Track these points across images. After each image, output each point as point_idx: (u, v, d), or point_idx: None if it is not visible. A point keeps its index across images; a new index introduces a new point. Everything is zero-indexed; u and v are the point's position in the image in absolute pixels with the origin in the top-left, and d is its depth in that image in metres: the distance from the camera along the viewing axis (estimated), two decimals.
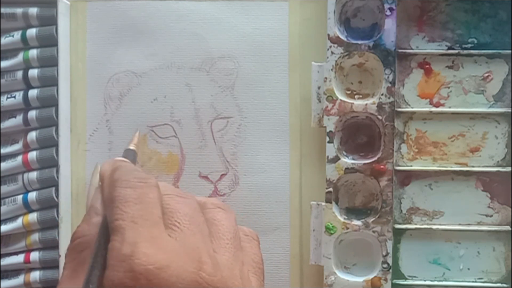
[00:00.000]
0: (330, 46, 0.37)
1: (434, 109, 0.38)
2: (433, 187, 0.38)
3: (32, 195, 0.39)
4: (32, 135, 0.39)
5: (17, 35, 0.39)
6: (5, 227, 0.39)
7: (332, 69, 0.37)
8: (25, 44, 0.39)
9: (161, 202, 0.28)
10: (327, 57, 0.37)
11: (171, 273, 0.25)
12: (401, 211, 0.38)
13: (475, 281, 0.38)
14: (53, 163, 0.39)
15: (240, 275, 0.28)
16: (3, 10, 0.39)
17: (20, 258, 0.39)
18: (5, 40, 0.39)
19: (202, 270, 0.25)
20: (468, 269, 0.38)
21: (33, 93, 0.39)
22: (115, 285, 0.24)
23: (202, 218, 0.29)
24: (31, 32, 0.39)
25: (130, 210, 0.26)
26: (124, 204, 0.27)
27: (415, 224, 0.38)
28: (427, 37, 0.38)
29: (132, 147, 0.37)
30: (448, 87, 0.38)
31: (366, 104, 0.37)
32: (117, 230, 0.26)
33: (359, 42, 0.37)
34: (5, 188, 0.39)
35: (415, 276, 0.38)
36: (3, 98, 0.39)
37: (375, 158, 0.37)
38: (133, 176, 0.28)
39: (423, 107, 0.38)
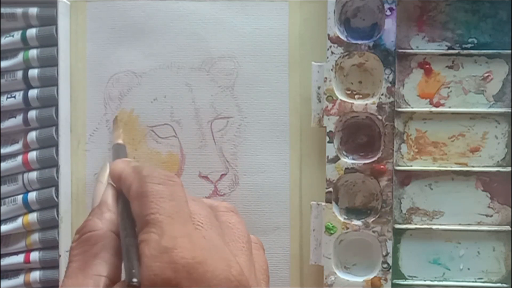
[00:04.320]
0: (330, 46, 0.37)
1: (434, 109, 0.38)
2: (433, 187, 0.38)
3: (32, 195, 0.39)
4: (32, 135, 0.39)
5: (17, 35, 0.39)
6: (5, 227, 0.39)
7: (332, 69, 0.37)
8: (25, 44, 0.39)
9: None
10: (327, 57, 0.37)
11: (207, 268, 0.25)
12: (401, 211, 0.38)
13: (475, 281, 0.38)
14: (53, 163, 0.39)
15: (255, 279, 0.28)
16: (3, 10, 0.39)
17: (20, 258, 0.39)
18: (5, 40, 0.39)
19: (232, 268, 0.26)
20: (468, 269, 0.38)
21: (33, 93, 0.39)
22: (156, 276, 0.25)
23: (218, 222, 0.29)
24: (31, 32, 0.39)
25: (165, 206, 0.27)
26: (159, 200, 0.27)
27: (415, 224, 0.38)
28: (427, 37, 0.38)
29: (120, 141, 0.37)
30: (448, 87, 0.38)
31: (366, 104, 0.37)
32: (154, 224, 0.26)
33: (359, 42, 0.37)
34: (5, 188, 0.39)
35: (415, 276, 0.38)
36: (3, 98, 0.39)
37: (375, 158, 0.37)
38: (162, 173, 0.29)
39: (423, 107, 0.38)
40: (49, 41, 0.39)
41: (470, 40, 0.38)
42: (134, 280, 0.25)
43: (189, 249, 0.25)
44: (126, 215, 0.29)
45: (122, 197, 0.30)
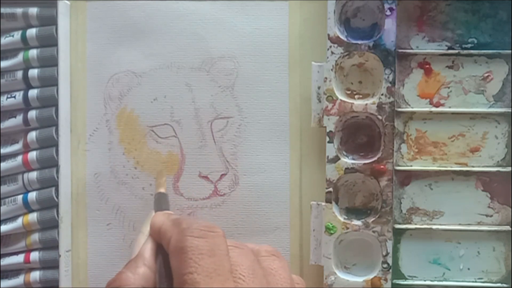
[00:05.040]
0: (330, 46, 0.37)
1: (434, 109, 0.38)
2: (433, 187, 0.38)
3: (32, 195, 0.39)
4: (32, 135, 0.39)
5: (17, 35, 0.39)
6: (5, 227, 0.39)
7: (332, 69, 0.37)
8: (25, 44, 0.39)
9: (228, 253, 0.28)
10: (327, 57, 0.37)
11: None
12: (401, 211, 0.38)
13: (475, 281, 0.38)
14: (53, 163, 0.39)
15: None
16: (3, 10, 0.39)
17: (20, 258, 0.39)
18: (5, 40, 0.39)
19: None
20: (468, 269, 0.38)
21: (33, 93, 0.39)
22: None
23: (261, 270, 0.28)
24: (31, 32, 0.39)
25: (204, 264, 0.26)
26: (198, 257, 0.26)
27: (415, 224, 0.38)
28: (427, 37, 0.38)
29: (163, 190, 0.37)
30: (448, 87, 0.38)
31: (366, 104, 0.37)
32: (191, 284, 0.25)
33: (359, 42, 0.37)
34: (5, 188, 0.39)
35: (415, 276, 0.38)
36: (3, 98, 0.39)
37: (375, 158, 0.37)
38: (203, 225, 0.28)
39: (423, 107, 0.38)
40: (49, 41, 0.39)
41: (470, 40, 0.38)
42: None
43: None
44: (164, 271, 0.28)
45: (162, 251, 0.30)
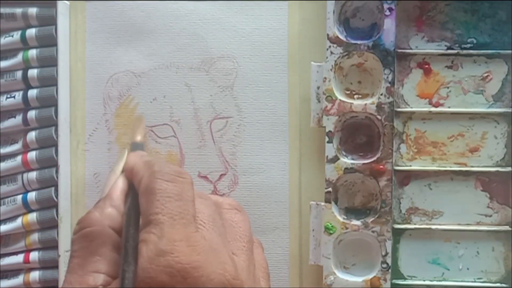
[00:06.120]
0: (330, 46, 0.37)
1: (433, 109, 0.38)
2: (432, 187, 0.38)
3: (31, 195, 0.39)
4: (32, 135, 0.39)
5: (16, 35, 0.39)
6: (4, 227, 0.39)
7: (331, 69, 0.37)
8: (25, 44, 0.39)
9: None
10: (327, 57, 0.37)
11: (202, 273, 0.25)
12: (401, 211, 0.38)
13: (475, 281, 0.38)
14: (53, 163, 0.39)
15: (254, 278, 0.28)
16: (2, 10, 0.39)
17: (19, 258, 0.39)
18: (5, 40, 0.39)
19: (227, 272, 0.26)
20: (468, 269, 0.38)
21: (32, 93, 0.39)
22: (150, 278, 0.25)
23: (221, 221, 0.29)
24: (31, 32, 0.39)
25: (170, 206, 0.27)
26: (165, 199, 0.27)
27: (415, 224, 0.38)
28: (427, 37, 0.38)
29: (139, 139, 0.36)
30: (448, 87, 0.38)
31: (366, 104, 0.37)
32: (156, 224, 0.26)
33: (359, 42, 0.37)
34: (4, 188, 0.39)
35: (414, 276, 0.38)
36: (3, 98, 0.39)
37: (375, 158, 0.37)
38: (173, 170, 0.29)
39: (423, 107, 0.38)
40: (49, 41, 0.39)
41: (469, 40, 0.38)
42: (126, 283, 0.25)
43: (186, 253, 0.25)
44: (133, 210, 0.29)
45: (133, 191, 0.30)
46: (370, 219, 0.37)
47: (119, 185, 0.31)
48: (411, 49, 0.38)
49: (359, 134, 0.38)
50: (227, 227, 0.30)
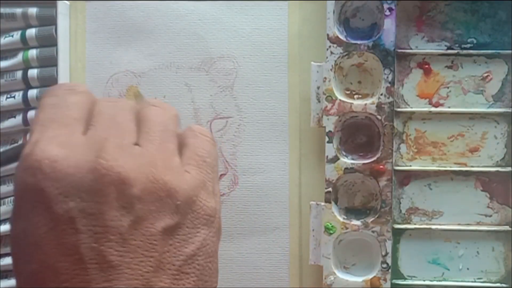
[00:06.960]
0: (330, 46, 0.37)
1: (433, 109, 0.38)
2: (432, 187, 0.38)
3: None
4: None
5: (16, 35, 0.39)
6: (5, 227, 0.39)
7: (331, 69, 0.37)
8: (25, 44, 0.39)
9: (90, 106, 0.28)
10: (327, 57, 0.37)
11: (68, 164, 0.25)
12: (401, 211, 0.38)
13: (474, 281, 0.38)
14: None
15: (164, 164, 0.27)
16: (2, 10, 0.39)
17: None
18: (5, 40, 0.39)
19: (101, 157, 0.25)
20: (468, 269, 0.38)
21: (32, 93, 0.39)
22: (18, 184, 0.26)
23: (128, 116, 0.29)
24: (31, 32, 0.39)
25: (42, 115, 0.28)
26: (41, 109, 0.28)
27: (415, 224, 0.38)
28: (427, 37, 0.38)
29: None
30: (448, 87, 0.38)
31: (366, 104, 0.37)
32: (30, 135, 0.27)
33: (359, 42, 0.37)
34: (5, 188, 0.39)
35: (414, 276, 0.38)
36: (3, 98, 0.39)
37: (375, 158, 0.37)
38: (64, 86, 0.29)
39: (423, 107, 0.38)
40: (49, 41, 0.39)
41: (469, 40, 0.38)
42: None
43: (47, 150, 0.26)
44: None
45: None
46: (370, 219, 0.37)
47: None
48: (411, 49, 0.38)
49: (359, 134, 0.38)
50: (139, 123, 0.29)
